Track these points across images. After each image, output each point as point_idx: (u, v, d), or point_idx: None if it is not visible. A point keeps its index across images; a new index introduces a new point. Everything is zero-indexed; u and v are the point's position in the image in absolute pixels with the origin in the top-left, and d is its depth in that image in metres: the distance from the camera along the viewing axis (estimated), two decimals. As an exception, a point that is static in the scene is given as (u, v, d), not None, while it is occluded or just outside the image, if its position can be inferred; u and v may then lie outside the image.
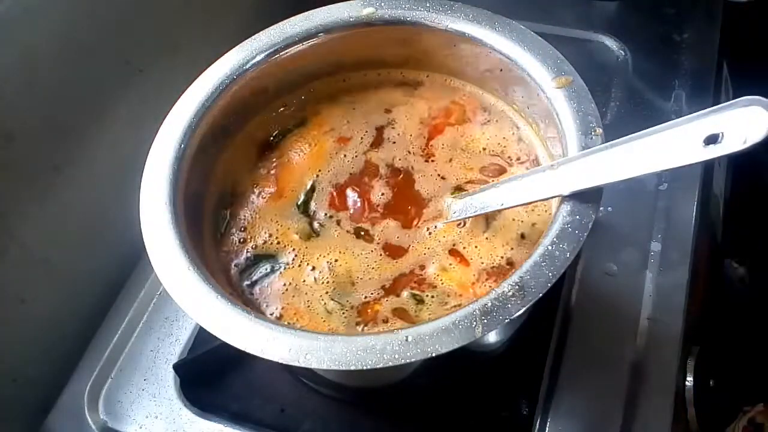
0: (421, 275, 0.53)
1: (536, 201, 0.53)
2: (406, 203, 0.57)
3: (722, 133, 0.39)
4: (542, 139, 0.57)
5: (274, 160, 0.61)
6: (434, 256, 0.54)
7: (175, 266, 0.47)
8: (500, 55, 0.56)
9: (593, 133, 0.49)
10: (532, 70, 0.54)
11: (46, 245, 0.65)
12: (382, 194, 0.57)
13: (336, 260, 0.54)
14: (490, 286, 0.51)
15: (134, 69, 0.72)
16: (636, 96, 0.77)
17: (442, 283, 0.52)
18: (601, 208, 0.61)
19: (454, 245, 0.54)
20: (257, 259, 0.56)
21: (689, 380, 0.60)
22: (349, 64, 0.63)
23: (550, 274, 0.43)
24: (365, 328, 0.51)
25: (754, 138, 0.37)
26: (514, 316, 0.42)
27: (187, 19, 0.78)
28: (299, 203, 0.58)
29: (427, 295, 0.52)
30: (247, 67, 0.58)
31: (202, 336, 0.64)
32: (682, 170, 0.45)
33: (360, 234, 0.56)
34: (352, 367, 0.41)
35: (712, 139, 0.39)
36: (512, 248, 0.53)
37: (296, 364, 0.42)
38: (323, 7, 0.60)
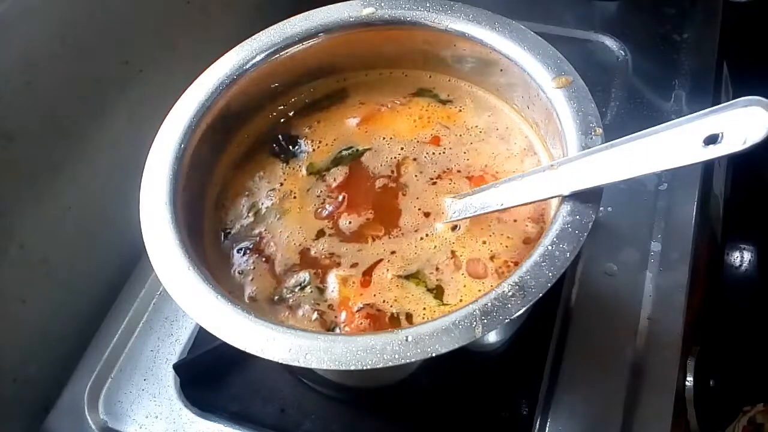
0: (325, 272, 0.53)
1: (536, 201, 0.53)
2: (372, 229, 0.56)
3: (722, 133, 0.39)
4: (542, 139, 0.57)
5: (403, 99, 0.62)
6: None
7: (175, 266, 0.47)
8: (500, 55, 0.56)
9: (593, 133, 0.49)
10: (532, 70, 0.54)
11: (46, 245, 0.65)
12: (350, 223, 0.56)
13: (294, 198, 0.57)
14: (359, 324, 0.50)
15: (134, 69, 0.72)
16: (636, 96, 0.77)
17: (332, 291, 0.52)
18: (601, 208, 0.61)
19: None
20: (294, 138, 0.61)
21: (689, 380, 0.60)
22: (349, 64, 0.63)
23: (550, 274, 0.43)
24: (245, 254, 0.55)
25: (754, 138, 0.37)
26: (514, 316, 0.42)
27: (187, 20, 0.78)
28: (346, 149, 0.59)
29: (311, 286, 0.52)
30: (247, 67, 0.58)
31: (202, 336, 0.64)
32: (682, 170, 0.45)
33: (321, 227, 0.56)
34: (352, 367, 0.41)
35: (712, 139, 0.39)
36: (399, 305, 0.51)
37: (296, 364, 0.42)
38: (323, 7, 0.60)
